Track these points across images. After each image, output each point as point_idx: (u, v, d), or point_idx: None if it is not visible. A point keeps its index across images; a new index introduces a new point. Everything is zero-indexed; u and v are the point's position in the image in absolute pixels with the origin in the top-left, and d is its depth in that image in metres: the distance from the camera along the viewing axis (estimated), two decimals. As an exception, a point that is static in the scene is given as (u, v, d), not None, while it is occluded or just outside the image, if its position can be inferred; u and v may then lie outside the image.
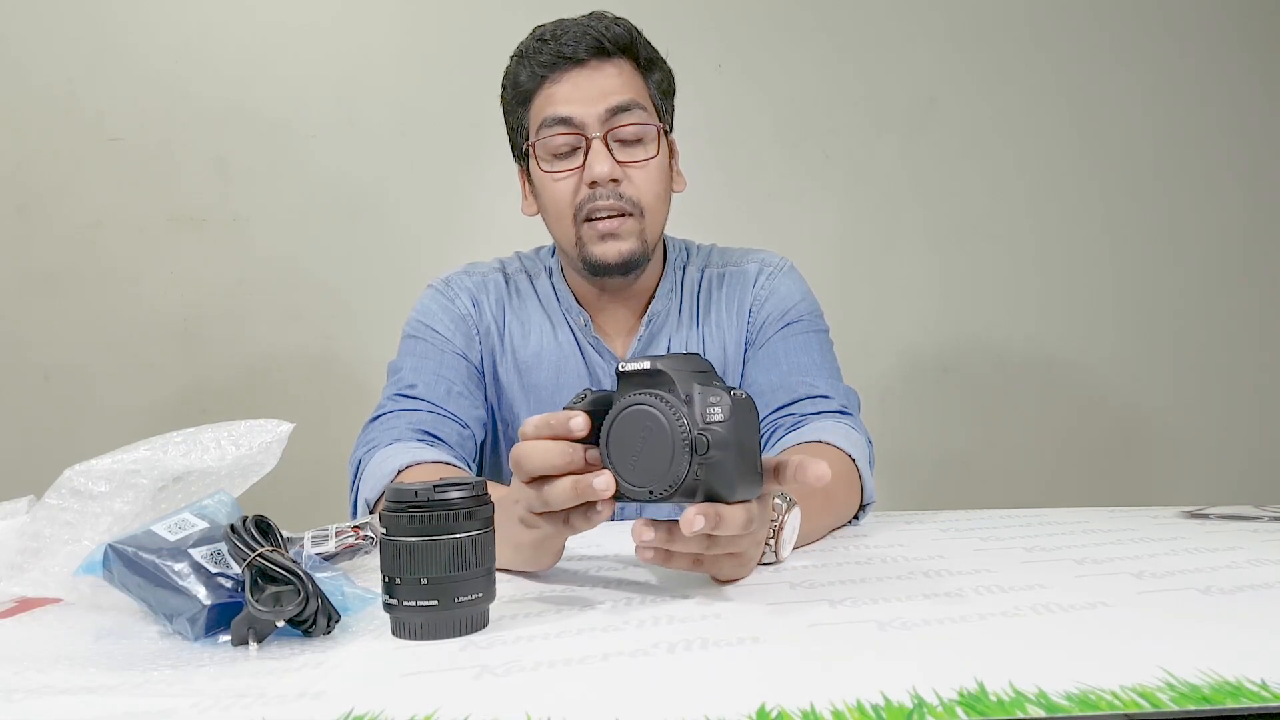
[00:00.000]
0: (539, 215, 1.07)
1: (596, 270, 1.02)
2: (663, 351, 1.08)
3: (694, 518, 0.55)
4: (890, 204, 2.04)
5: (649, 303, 1.10)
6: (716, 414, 0.56)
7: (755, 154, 1.99)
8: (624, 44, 1.00)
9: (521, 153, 1.06)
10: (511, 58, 1.04)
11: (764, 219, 1.99)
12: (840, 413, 0.98)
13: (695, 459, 0.56)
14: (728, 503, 0.57)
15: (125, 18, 1.87)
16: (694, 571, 0.64)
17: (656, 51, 1.05)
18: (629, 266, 1.02)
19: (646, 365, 0.58)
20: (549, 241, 1.17)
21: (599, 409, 0.61)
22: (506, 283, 1.12)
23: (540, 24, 1.03)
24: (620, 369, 0.59)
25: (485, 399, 1.09)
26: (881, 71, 2.03)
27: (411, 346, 1.07)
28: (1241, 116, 2.10)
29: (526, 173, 1.06)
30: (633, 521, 0.60)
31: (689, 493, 0.57)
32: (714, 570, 0.64)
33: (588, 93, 0.98)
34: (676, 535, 0.58)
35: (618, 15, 1.02)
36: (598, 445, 0.60)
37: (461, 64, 1.93)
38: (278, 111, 1.90)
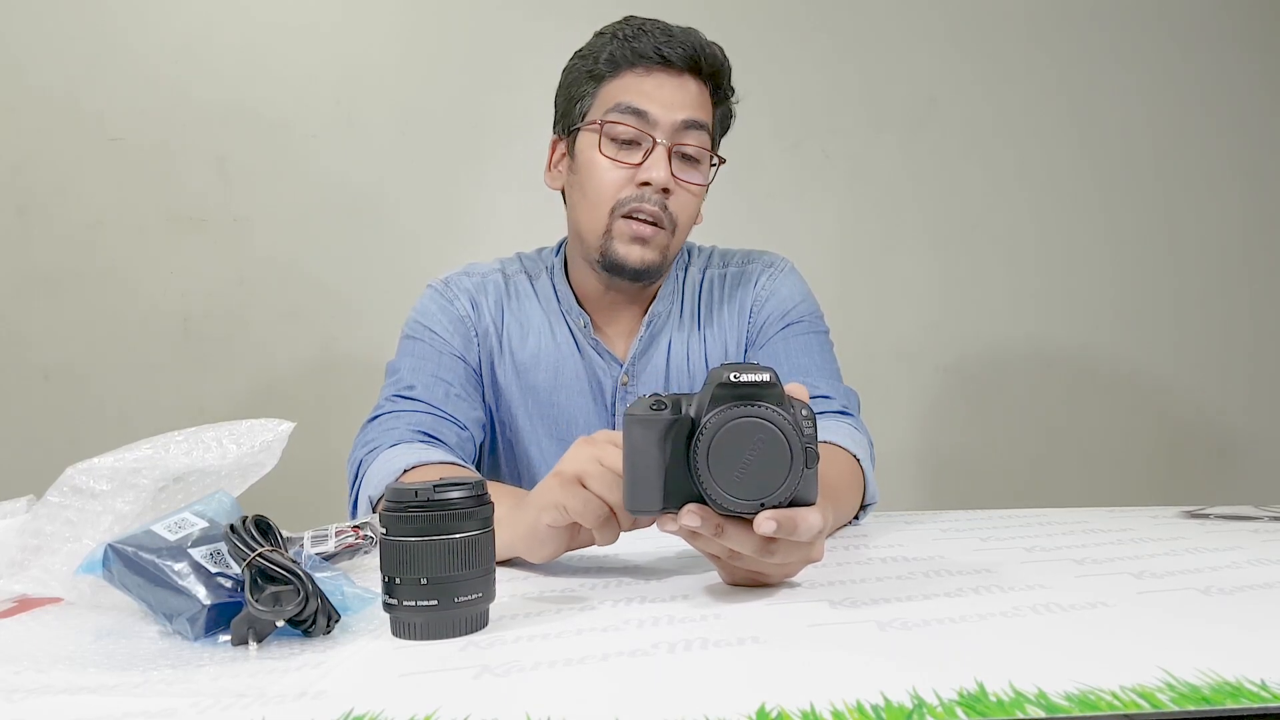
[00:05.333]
0: (561, 190, 1.06)
1: (612, 268, 1.01)
2: (663, 352, 1.08)
3: (767, 521, 0.56)
4: (890, 204, 2.04)
5: (650, 304, 1.10)
6: (809, 427, 0.58)
7: (755, 154, 1.99)
8: (714, 69, 1.01)
9: (570, 126, 1.04)
10: (597, 35, 1.03)
11: (764, 219, 1.99)
12: (842, 413, 0.98)
13: (804, 472, 0.57)
14: (809, 504, 0.58)
15: (125, 18, 1.87)
16: (715, 562, 0.64)
17: (733, 89, 1.06)
18: (644, 274, 1.02)
19: (766, 377, 0.57)
20: (548, 242, 1.17)
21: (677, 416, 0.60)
22: (505, 284, 1.12)
23: (632, 15, 1.03)
24: (733, 379, 0.57)
25: (483, 400, 1.09)
26: (881, 71, 2.03)
27: (410, 347, 1.07)
28: (1241, 116, 2.10)
29: (568, 146, 1.05)
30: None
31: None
32: (755, 568, 0.62)
33: (670, 97, 0.98)
34: (730, 532, 0.58)
35: (712, 40, 1.02)
36: (690, 455, 0.58)
37: (461, 64, 1.93)
38: (278, 111, 1.90)
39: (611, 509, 0.64)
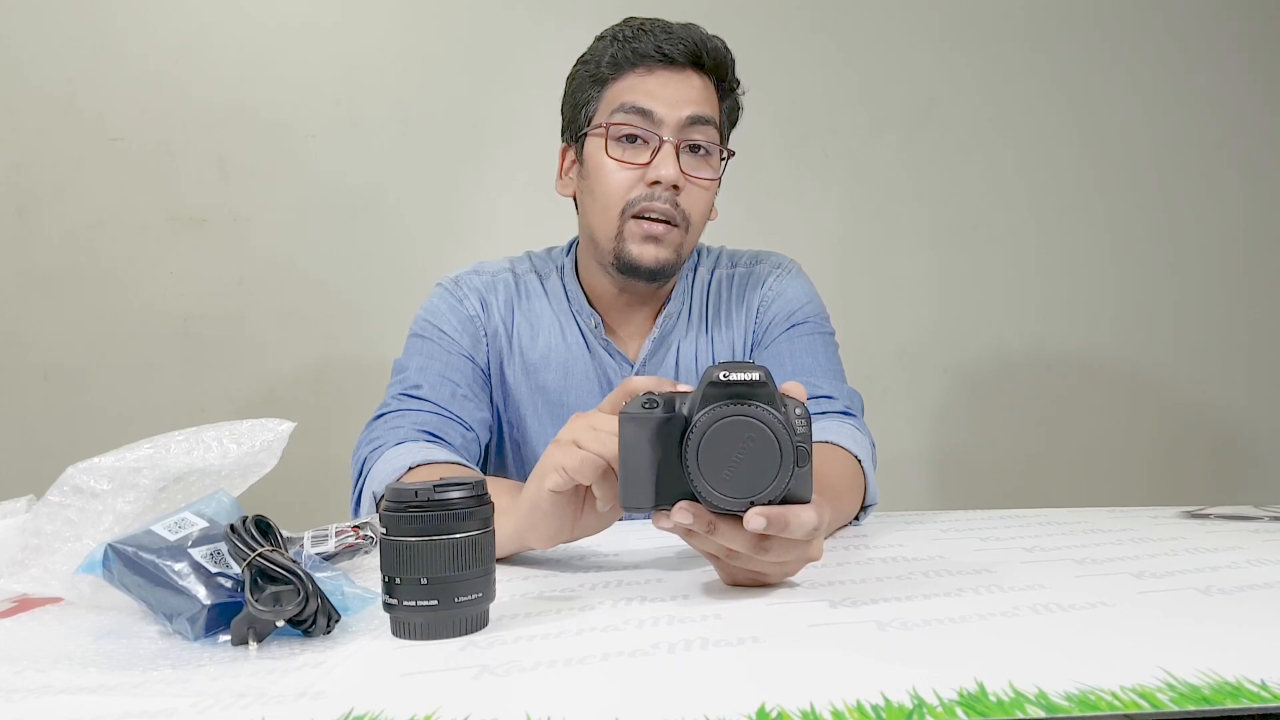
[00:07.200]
0: (573, 197, 1.06)
1: (627, 270, 1.01)
2: (674, 353, 1.08)
3: (756, 517, 0.56)
4: (890, 204, 2.04)
5: (662, 304, 1.10)
6: (801, 426, 0.58)
7: (755, 154, 1.99)
8: (717, 61, 1.01)
9: (578, 132, 1.04)
10: (598, 39, 1.03)
11: (764, 219, 1.99)
12: (844, 413, 0.98)
13: (795, 470, 0.57)
14: (803, 502, 0.58)
15: (125, 18, 1.87)
16: (714, 562, 0.64)
17: (738, 81, 1.05)
18: (659, 274, 1.01)
19: (757, 375, 0.57)
20: (552, 242, 1.17)
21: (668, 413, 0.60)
22: (516, 283, 1.11)
23: (632, 16, 1.02)
24: (723, 378, 0.57)
25: (491, 401, 1.08)
26: (881, 71, 2.03)
27: (418, 346, 1.06)
28: (1241, 117, 2.10)
29: (577, 152, 1.05)
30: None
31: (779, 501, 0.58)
32: (752, 567, 0.62)
33: (674, 94, 0.98)
34: (723, 530, 0.58)
35: (713, 33, 1.02)
36: (682, 452, 0.58)
37: (461, 64, 1.93)
38: (278, 111, 1.90)
39: (609, 464, 0.64)
